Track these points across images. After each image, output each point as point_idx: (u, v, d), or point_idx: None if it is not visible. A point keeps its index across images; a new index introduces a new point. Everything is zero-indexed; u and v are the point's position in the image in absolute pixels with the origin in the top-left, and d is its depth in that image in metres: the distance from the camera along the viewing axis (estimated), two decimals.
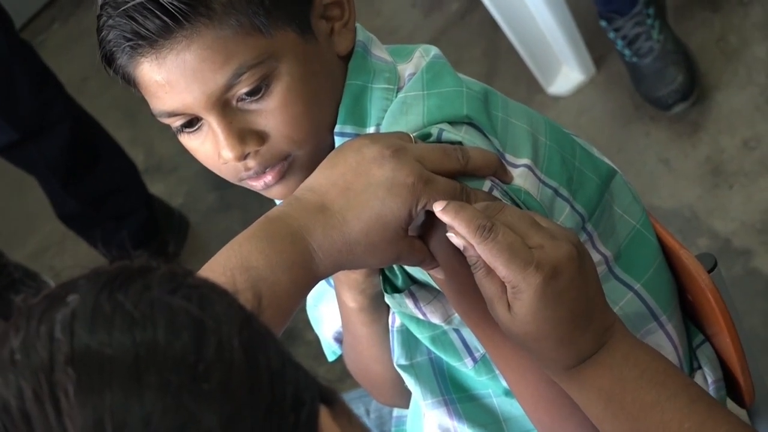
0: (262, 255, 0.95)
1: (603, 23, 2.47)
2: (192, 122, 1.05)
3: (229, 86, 1.01)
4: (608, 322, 0.99)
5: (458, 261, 1.00)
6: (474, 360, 1.12)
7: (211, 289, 0.63)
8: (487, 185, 1.04)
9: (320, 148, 1.06)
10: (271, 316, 0.93)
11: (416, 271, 1.08)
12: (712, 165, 2.35)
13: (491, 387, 1.15)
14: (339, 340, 1.27)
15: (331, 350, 1.29)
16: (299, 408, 0.61)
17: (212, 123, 1.03)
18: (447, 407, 1.17)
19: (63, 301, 0.60)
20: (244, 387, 0.59)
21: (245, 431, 0.58)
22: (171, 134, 1.08)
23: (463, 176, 1.03)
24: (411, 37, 2.85)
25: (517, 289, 0.94)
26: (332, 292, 1.20)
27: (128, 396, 0.56)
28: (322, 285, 1.21)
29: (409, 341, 1.16)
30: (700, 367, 1.18)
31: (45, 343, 0.58)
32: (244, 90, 1.02)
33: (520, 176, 1.06)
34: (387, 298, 1.11)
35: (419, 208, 0.99)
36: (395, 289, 1.10)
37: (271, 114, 1.03)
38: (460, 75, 1.10)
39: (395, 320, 1.15)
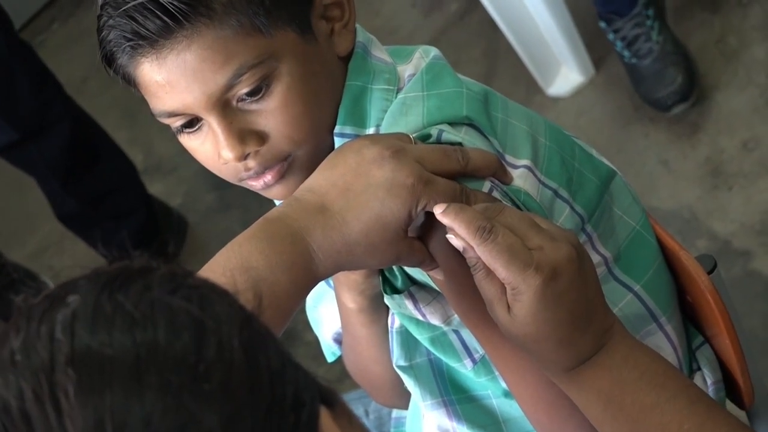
0: (262, 255, 0.95)
1: (602, 24, 2.47)
2: (192, 122, 1.05)
3: (230, 86, 1.01)
4: (608, 324, 0.99)
5: (458, 262, 1.00)
6: (473, 361, 1.12)
7: (211, 289, 0.63)
8: (486, 186, 1.04)
9: (320, 149, 1.06)
10: (271, 316, 0.93)
11: (416, 272, 1.08)
12: (712, 166, 2.35)
13: (491, 388, 1.15)
14: (338, 341, 1.27)
15: (330, 351, 1.29)
16: (299, 408, 0.61)
17: (212, 123, 1.03)
18: (446, 408, 1.17)
19: (63, 301, 0.60)
20: (245, 387, 0.59)
21: (245, 431, 0.58)
22: (170, 134, 1.08)
23: (462, 177, 1.02)
24: (410, 38, 2.85)
25: (517, 291, 0.94)
26: (332, 293, 1.20)
27: (129, 396, 0.56)
28: (321, 286, 1.21)
29: (409, 342, 1.16)
30: (699, 369, 1.18)
31: (45, 344, 0.58)
32: (245, 90, 1.02)
33: (520, 177, 1.06)
34: (386, 299, 1.11)
35: (419, 209, 0.99)
36: (395, 290, 1.10)
37: (272, 114, 1.03)
38: (460, 76, 1.10)
39: (394, 321, 1.15)
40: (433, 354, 1.14)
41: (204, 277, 0.64)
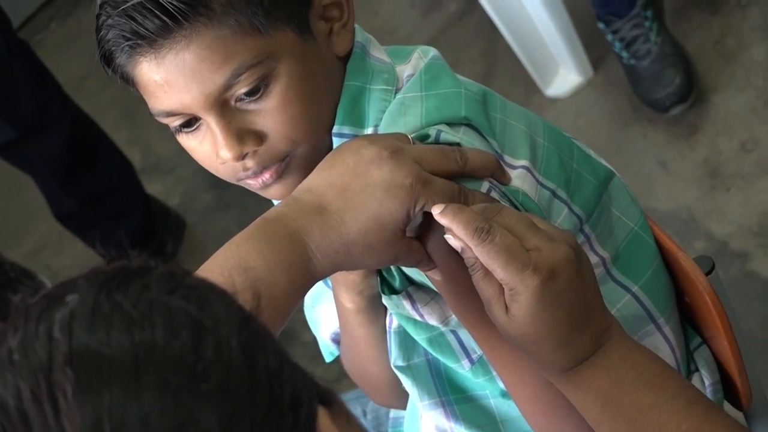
0: (259, 255, 0.95)
1: (601, 25, 2.47)
2: (190, 122, 1.05)
3: (228, 86, 1.01)
4: (605, 324, 0.99)
5: (456, 262, 1.00)
6: (471, 361, 1.12)
7: (209, 289, 0.63)
8: (485, 186, 1.04)
9: (318, 149, 1.06)
10: (269, 316, 0.93)
11: (413, 273, 1.08)
12: (710, 167, 2.35)
13: (488, 388, 1.15)
14: (336, 341, 1.27)
15: (328, 351, 1.29)
16: (297, 408, 0.61)
17: (211, 123, 1.03)
18: (444, 408, 1.17)
19: (62, 300, 0.60)
20: (243, 387, 0.59)
21: (244, 431, 0.58)
22: (169, 134, 1.08)
23: (461, 177, 1.03)
24: (409, 38, 2.85)
25: (515, 291, 0.94)
26: (330, 293, 1.20)
27: (127, 396, 0.56)
28: (319, 286, 1.21)
29: (407, 342, 1.16)
30: (697, 370, 1.18)
31: (43, 343, 0.58)
32: (243, 90, 1.02)
33: (518, 177, 1.06)
34: (384, 300, 1.10)
35: (417, 209, 0.99)
36: (393, 291, 1.10)
37: (270, 114, 1.03)
38: (459, 76, 1.10)
39: (392, 321, 1.15)
40: (431, 354, 1.14)
41: (202, 276, 0.64)
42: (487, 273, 0.96)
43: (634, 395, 0.97)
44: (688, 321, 1.20)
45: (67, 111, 2.53)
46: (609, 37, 2.46)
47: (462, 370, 1.13)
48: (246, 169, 1.05)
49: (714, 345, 1.18)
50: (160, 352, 0.58)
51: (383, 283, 1.10)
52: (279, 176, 1.06)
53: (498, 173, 1.05)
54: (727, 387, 1.20)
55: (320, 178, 1.01)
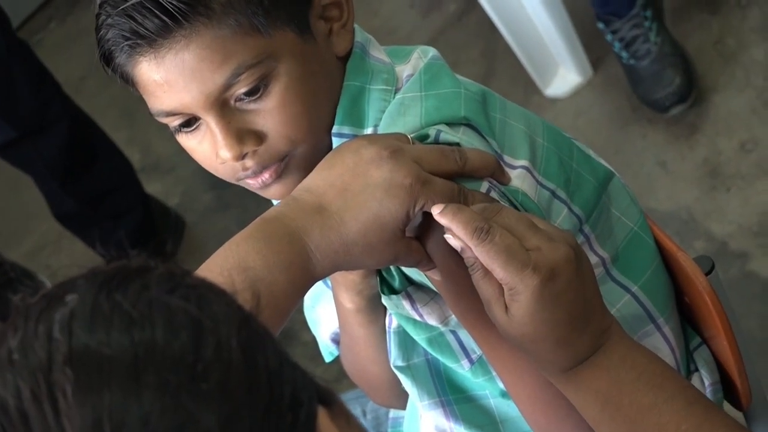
0: (259, 255, 0.95)
1: (600, 25, 2.47)
2: (190, 122, 1.05)
3: (228, 86, 1.01)
4: (605, 324, 0.99)
5: (455, 262, 1.00)
6: (471, 361, 1.12)
7: (209, 289, 0.63)
8: (484, 186, 1.04)
9: (318, 149, 1.06)
10: (269, 316, 0.93)
11: (413, 273, 1.08)
12: (710, 167, 2.35)
13: (488, 388, 1.15)
14: (336, 341, 1.27)
15: (328, 351, 1.29)
16: (297, 408, 0.61)
17: (210, 123, 1.03)
18: (444, 408, 1.17)
19: (61, 300, 0.60)
20: (243, 387, 0.59)
21: (243, 431, 0.58)
22: (168, 134, 1.08)
23: (460, 177, 1.02)
24: (409, 38, 2.85)
25: (515, 291, 0.94)
26: (330, 293, 1.20)
27: (127, 396, 0.56)
28: (319, 286, 1.21)
29: (406, 342, 1.16)
30: (697, 370, 1.18)
31: (43, 343, 0.58)
32: (243, 90, 1.02)
33: (518, 177, 1.05)
34: (384, 300, 1.10)
35: (417, 209, 0.99)
36: (392, 291, 1.10)
37: (270, 114, 1.03)
38: (458, 76, 1.10)
39: (392, 321, 1.15)
40: (431, 354, 1.14)
41: (202, 276, 0.64)
42: (487, 273, 0.96)
43: (634, 395, 0.97)
44: (688, 321, 1.20)
45: (66, 111, 2.53)
46: (608, 37, 2.46)
47: (461, 370, 1.13)
48: (245, 168, 1.05)
49: (714, 345, 1.18)
50: (159, 351, 0.58)
51: (383, 283, 1.10)
52: (278, 176, 1.06)
53: (497, 173, 1.05)
54: (726, 387, 1.20)
55: (320, 178, 1.01)
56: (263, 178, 1.06)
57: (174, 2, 0.98)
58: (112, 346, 0.57)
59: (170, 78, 1.01)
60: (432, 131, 1.04)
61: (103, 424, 0.55)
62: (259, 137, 1.04)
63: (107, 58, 1.03)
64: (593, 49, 2.56)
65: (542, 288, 0.94)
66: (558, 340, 0.96)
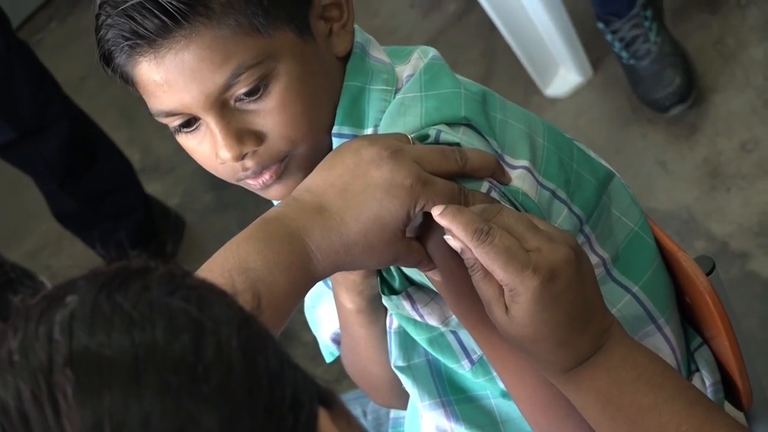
0: (259, 256, 0.95)
1: (600, 25, 2.47)
2: (190, 122, 1.05)
3: (228, 86, 1.01)
4: (606, 325, 0.98)
5: (455, 263, 1.00)
6: (471, 362, 1.12)
7: (209, 290, 0.63)
8: (485, 186, 1.03)
9: (318, 149, 1.06)
10: (270, 317, 0.93)
11: (414, 273, 1.08)
12: (710, 167, 2.35)
13: (489, 389, 1.15)
14: (337, 341, 1.27)
15: (328, 352, 1.29)
16: (298, 409, 0.61)
17: (210, 123, 1.03)
18: (444, 409, 1.17)
19: (62, 301, 0.60)
20: (243, 388, 0.59)
21: None
22: (168, 134, 1.08)
23: (461, 177, 1.02)
24: (409, 38, 2.85)
25: (515, 292, 0.94)
26: (330, 293, 1.20)
27: (127, 397, 0.56)
28: (320, 286, 1.21)
29: (407, 343, 1.16)
30: (698, 370, 1.18)
31: (43, 344, 0.58)
32: (243, 90, 1.02)
33: (519, 177, 1.05)
34: (384, 300, 1.10)
35: (417, 209, 0.99)
36: (393, 291, 1.10)
37: (269, 114, 1.03)
38: (458, 76, 1.10)
39: (393, 322, 1.15)
40: (431, 354, 1.14)
41: (202, 277, 0.64)
42: (487, 274, 0.96)
43: (635, 395, 0.97)
44: (689, 321, 1.20)
45: (66, 111, 2.53)
46: (609, 37, 2.46)
47: (462, 370, 1.13)
48: (245, 169, 1.05)
49: (714, 345, 1.18)
50: (160, 353, 0.58)
51: (383, 284, 1.10)
52: (279, 177, 1.06)
53: (498, 173, 1.05)
54: (727, 387, 1.19)
55: (320, 178, 1.00)
56: (264, 179, 1.06)
57: (174, 2, 0.98)
58: (113, 348, 0.57)
59: (170, 78, 1.01)
60: (432, 131, 1.04)
61: (103, 425, 0.55)
62: (259, 137, 1.04)
63: (107, 59, 1.03)
64: (593, 49, 2.56)
65: (542, 289, 0.94)
66: (558, 340, 0.96)
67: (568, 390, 1.00)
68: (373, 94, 1.08)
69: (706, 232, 2.27)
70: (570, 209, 1.09)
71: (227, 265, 0.94)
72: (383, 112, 1.07)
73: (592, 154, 1.16)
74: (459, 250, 0.97)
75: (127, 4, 0.98)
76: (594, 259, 1.09)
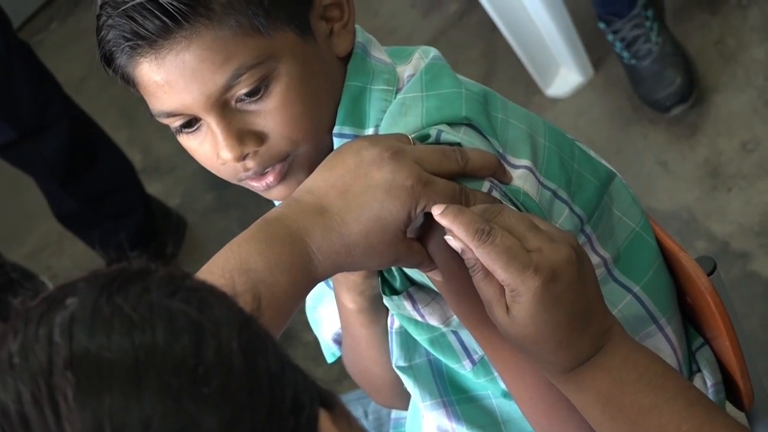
0: (260, 256, 0.95)
1: (601, 25, 2.47)
2: (191, 122, 1.05)
3: (229, 87, 1.01)
4: (607, 325, 0.98)
5: (456, 263, 1.00)
6: (472, 362, 1.12)
7: (209, 291, 0.63)
8: (486, 186, 1.03)
9: (319, 149, 1.06)
10: (270, 317, 0.92)
11: (414, 273, 1.08)
12: (711, 167, 2.35)
13: (490, 389, 1.15)
14: (338, 341, 1.27)
15: (330, 352, 1.29)
16: (299, 411, 0.61)
17: (211, 123, 1.03)
18: (446, 409, 1.17)
19: (62, 304, 0.60)
20: (244, 390, 0.59)
21: None
22: (168, 134, 1.08)
23: (462, 177, 1.02)
24: (409, 38, 2.85)
25: (516, 293, 0.94)
26: (331, 293, 1.20)
27: (128, 399, 0.56)
28: (321, 287, 1.21)
29: (408, 343, 1.16)
30: (699, 370, 1.18)
31: (44, 347, 0.58)
32: (244, 90, 1.02)
33: (520, 177, 1.05)
34: (385, 300, 1.10)
35: (418, 210, 0.99)
36: (394, 291, 1.10)
37: (270, 114, 1.03)
38: (459, 76, 1.10)
39: (394, 322, 1.15)
40: (433, 354, 1.14)
41: (203, 279, 0.64)
42: (488, 274, 0.96)
43: (635, 396, 0.97)
44: (690, 321, 1.20)
45: (67, 111, 2.53)
46: (610, 37, 2.46)
47: (463, 370, 1.13)
48: (247, 169, 1.05)
49: (716, 345, 1.18)
50: (160, 355, 0.58)
51: (384, 284, 1.10)
52: (282, 178, 1.06)
53: (499, 172, 1.04)
54: (729, 388, 1.19)
55: (321, 179, 1.00)
56: (267, 181, 1.06)
57: (174, 3, 0.98)
58: (113, 350, 0.57)
59: (171, 79, 1.01)
60: (433, 131, 1.04)
61: (104, 427, 0.55)
62: (260, 138, 1.04)
63: (108, 59, 1.03)
64: (594, 49, 2.56)
65: (543, 289, 0.94)
66: (559, 341, 0.96)
67: (569, 390, 1.00)
68: (374, 94, 1.08)
69: (707, 232, 2.27)
70: (571, 209, 1.09)
71: (228, 266, 0.94)
72: (384, 112, 1.07)
73: (593, 155, 1.16)
74: (459, 251, 0.97)
75: (128, 5, 0.98)
76: (595, 260, 1.09)
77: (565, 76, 2.57)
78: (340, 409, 0.67)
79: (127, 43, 1.00)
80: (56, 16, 3.60)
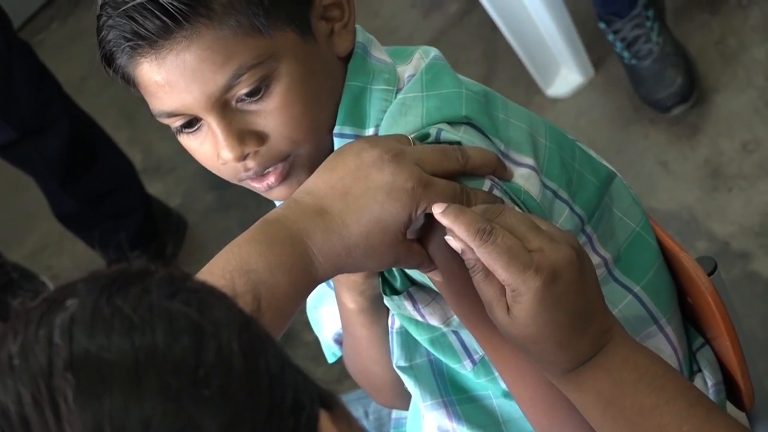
0: (261, 257, 0.95)
1: (602, 25, 2.47)
2: (191, 123, 1.05)
3: (229, 87, 1.01)
4: (607, 325, 0.98)
5: (457, 264, 1.00)
6: (473, 362, 1.12)
7: (210, 292, 0.63)
8: (486, 184, 1.03)
9: (320, 149, 1.06)
10: (271, 319, 0.92)
11: (415, 273, 1.08)
12: (711, 167, 2.35)
13: (490, 389, 1.15)
14: (339, 341, 1.27)
15: (331, 352, 1.29)
16: (299, 412, 0.61)
17: (212, 123, 1.03)
18: (446, 409, 1.17)
19: (62, 305, 0.60)
20: (244, 391, 0.59)
21: None
22: (169, 134, 1.08)
23: (462, 176, 1.02)
24: (410, 38, 2.85)
25: (517, 293, 0.94)
26: (332, 294, 1.20)
27: (128, 400, 0.56)
28: (322, 287, 1.21)
29: (409, 343, 1.16)
30: (699, 371, 1.18)
31: (44, 348, 0.58)
32: (244, 90, 1.02)
33: (523, 177, 1.05)
34: (386, 300, 1.10)
35: (419, 212, 0.99)
36: (394, 291, 1.10)
37: (271, 114, 1.03)
38: (460, 76, 1.10)
39: (395, 322, 1.15)
40: (433, 354, 1.14)
41: (203, 280, 0.64)
42: (489, 274, 0.96)
43: (636, 396, 0.97)
44: (691, 322, 1.19)
45: (67, 111, 2.53)
46: (610, 37, 2.46)
47: (464, 370, 1.13)
48: (247, 169, 1.05)
49: (716, 346, 1.18)
50: (160, 356, 0.58)
51: (385, 284, 1.10)
52: (284, 178, 1.06)
53: (499, 170, 1.04)
54: (729, 388, 1.19)
55: (321, 181, 1.00)
56: (269, 182, 1.06)
57: (175, 3, 0.98)
58: (113, 351, 0.57)
59: (171, 79, 1.01)
60: (433, 130, 1.04)
61: (104, 428, 0.55)
62: (261, 138, 1.04)
63: (108, 59, 1.03)
64: (595, 49, 2.56)
65: (544, 289, 0.94)
66: (560, 341, 0.96)
67: (570, 391, 1.00)
68: (374, 94, 1.08)
69: (707, 233, 2.26)
70: (571, 209, 1.09)
71: (228, 267, 0.94)
72: (384, 112, 1.07)
73: (594, 155, 1.16)
74: (460, 251, 0.97)
75: (128, 5, 0.98)
76: (595, 260, 1.09)
77: (565, 76, 2.57)
78: (341, 410, 0.67)
79: (127, 44, 1.00)
80: (57, 16, 3.60)
